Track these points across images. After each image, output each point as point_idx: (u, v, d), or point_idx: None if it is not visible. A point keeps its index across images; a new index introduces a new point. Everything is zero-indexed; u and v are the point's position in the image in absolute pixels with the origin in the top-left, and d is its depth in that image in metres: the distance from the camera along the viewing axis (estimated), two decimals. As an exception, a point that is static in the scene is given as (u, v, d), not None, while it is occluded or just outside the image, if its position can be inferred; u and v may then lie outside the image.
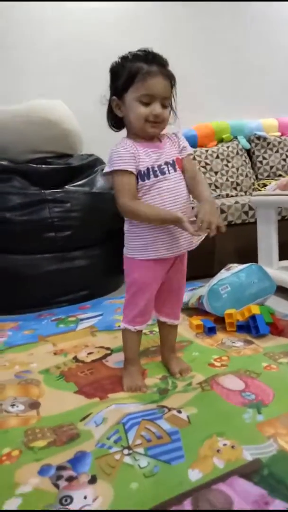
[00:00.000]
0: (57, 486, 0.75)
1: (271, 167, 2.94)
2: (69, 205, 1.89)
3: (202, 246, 2.22)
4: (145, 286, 1.05)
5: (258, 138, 2.95)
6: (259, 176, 2.94)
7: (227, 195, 2.67)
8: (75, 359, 1.30)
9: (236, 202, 2.25)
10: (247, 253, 2.02)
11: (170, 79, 0.96)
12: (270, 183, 2.41)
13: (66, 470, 0.78)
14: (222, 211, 2.22)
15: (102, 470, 0.78)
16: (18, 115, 1.99)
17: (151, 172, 0.97)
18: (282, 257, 1.95)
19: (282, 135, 3.03)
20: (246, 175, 2.83)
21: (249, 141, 2.96)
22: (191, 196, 1.04)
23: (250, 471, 0.75)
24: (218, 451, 0.80)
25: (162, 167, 0.98)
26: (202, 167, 2.70)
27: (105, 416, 0.95)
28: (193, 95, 2.82)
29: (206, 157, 2.74)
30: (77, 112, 2.13)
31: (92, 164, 2.10)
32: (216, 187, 2.69)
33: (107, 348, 1.36)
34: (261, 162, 2.94)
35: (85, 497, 0.71)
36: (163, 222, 0.96)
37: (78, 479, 0.76)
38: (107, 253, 2.01)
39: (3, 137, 1.98)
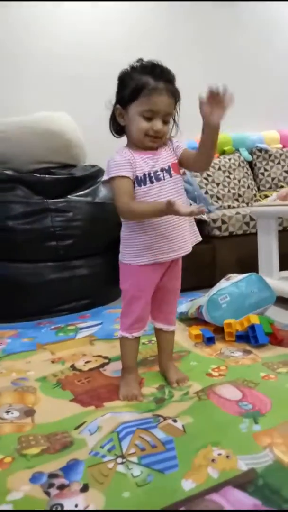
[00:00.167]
0: (48, 494, 0.73)
1: (273, 179, 2.95)
2: (71, 214, 1.91)
3: (204, 256, 2.24)
4: (140, 292, 1.05)
5: (260, 150, 2.97)
6: (261, 188, 2.95)
7: (229, 206, 2.69)
8: (73, 367, 1.30)
9: (237, 213, 2.26)
10: (248, 263, 2.02)
11: (175, 96, 0.98)
12: (271, 195, 2.42)
13: (58, 478, 0.77)
14: (223, 222, 2.22)
15: (94, 478, 0.77)
16: (23, 126, 2.02)
17: (147, 178, 0.99)
18: (282, 267, 1.94)
19: (283, 147, 3.06)
20: (248, 187, 2.85)
21: (251, 153, 2.98)
22: (201, 151, 1.00)
23: (245, 481, 0.73)
24: (212, 460, 0.79)
25: (158, 173, 1.00)
26: (204, 178, 2.72)
27: (100, 424, 0.94)
28: (195, 108, 2.86)
29: (207, 169, 2.75)
30: (81, 123, 2.16)
31: (95, 175, 2.12)
32: (218, 198, 2.71)
33: (105, 357, 1.36)
34: (263, 174, 2.95)
35: (76, 505, 0.70)
36: (158, 213, 0.95)
37: (69, 487, 0.75)
38: (108, 262, 2.01)
39: (8, 148, 2.01)
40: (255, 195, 2.86)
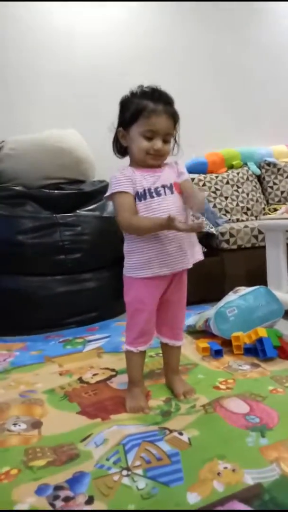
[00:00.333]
0: (53, 506, 0.74)
1: (282, 192, 2.96)
2: (79, 228, 1.94)
3: (212, 269, 2.24)
4: (143, 305, 1.06)
5: (268, 164, 2.99)
6: (270, 201, 2.95)
7: (238, 220, 2.69)
8: (80, 380, 1.30)
9: (246, 226, 2.26)
10: (257, 276, 2.01)
11: (174, 117, 1.03)
12: (281, 208, 2.43)
13: (64, 490, 0.77)
14: (232, 235, 2.23)
15: (99, 490, 0.76)
16: (34, 144, 2.09)
17: (147, 193, 1.02)
18: (291, 280, 1.93)
19: (292, 161, 3.07)
20: (257, 200, 2.85)
21: (259, 167, 3.00)
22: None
23: (251, 496, 0.72)
24: (218, 474, 0.78)
25: (158, 189, 1.03)
26: (212, 192, 2.74)
27: (106, 437, 0.94)
28: (203, 123, 2.91)
29: (216, 183, 2.78)
30: (90, 140, 2.22)
31: (103, 190, 2.14)
32: (227, 211, 2.72)
33: (112, 370, 1.36)
34: (271, 187, 2.96)
35: (80, 518, 0.70)
36: (158, 227, 0.98)
37: (75, 500, 0.75)
38: (116, 275, 2.00)
39: (19, 165, 2.07)
40: (264, 208, 2.87)
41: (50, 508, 0.73)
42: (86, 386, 1.25)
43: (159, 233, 1.00)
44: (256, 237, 2.25)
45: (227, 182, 2.82)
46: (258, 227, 2.20)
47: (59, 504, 0.74)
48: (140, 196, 1.02)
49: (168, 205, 1.02)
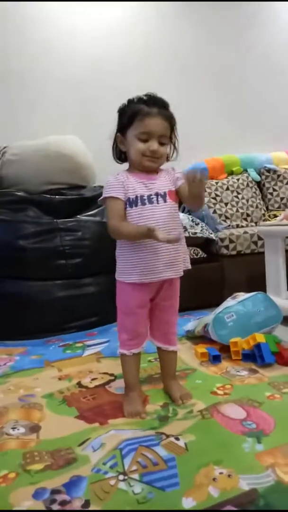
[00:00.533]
0: (50, 509, 0.74)
1: (282, 199, 2.97)
2: (80, 233, 1.96)
3: (212, 275, 2.25)
4: (131, 309, 1.09)
5: (268, 170, 3.00)
6: (270, 207, 2.97)
7: (238, 226, 2.71)
8: (79, 384, 1.31)
9: (245, 232, 2.28)
10: (257, 282, 2.02)
11: (169, 119, 1.05)
12: (280, 214, 2.44)
13: (60, 494, 0.78)
14: (231, 241, 2.24)
15: (96, 495, 0.77)
16: (36, 149, 2.11)
17: (139, 200, 1.04)
18: (291, 286, 1.94)
19: (292, 167, 3.09)
20: (257, 206, 2.87)
21: (259, 173, 3.02)
22: (189, 200, 1.05)
23: (246, 501, 0.73)
24: (214, 479, 0.79)
25: (151, 197, 1.05)
26: (212, 198, 2.76)
27: (103, 441, 0.95)
28: (203, 129, 2.94)
29: (216, 189, 2.80)
30: (91, 146, 2.24)
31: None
32: (227, 217, 2.73)
33: (111, 374, 1.37)
34: (271, 193, 2.98)
35: (76, 521, 0.71)
36: (139, 236, 0.99)
37: (71, 503, 0.76)
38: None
39: (21, 170, 2.09)
40: (263, 214, 2.88)
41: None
42: (85, 390, 1.26)
43: (144, 242, 1.02)
44: (255, 243, 2.26)
45: (227, 188, 2.83)
46: (258, 233, 2.21)
47: (55, 507, 0.75)
48: (131, 202, 1.04)
49: (159, 213, 1.04)
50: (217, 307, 1.64)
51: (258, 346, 1.37)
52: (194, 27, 3.01)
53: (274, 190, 2.97)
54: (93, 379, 1.34)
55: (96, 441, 0.95)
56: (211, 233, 2.31)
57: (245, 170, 3.00)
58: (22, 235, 1.89)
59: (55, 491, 0.79)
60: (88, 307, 1.95)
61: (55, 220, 1.94)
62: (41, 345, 1.76)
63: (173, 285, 1.11)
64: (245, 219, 2.79)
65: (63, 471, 0.85)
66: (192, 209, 1.18)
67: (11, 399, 1.22)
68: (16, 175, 2.08)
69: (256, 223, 2.79)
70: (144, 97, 1.06)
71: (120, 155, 1.12)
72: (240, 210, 2.79)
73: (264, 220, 2.79)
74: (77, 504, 0.75)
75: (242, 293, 1.65)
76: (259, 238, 2.24)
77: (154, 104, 1.03)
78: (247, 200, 2.84)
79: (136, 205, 1.04)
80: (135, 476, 0.81)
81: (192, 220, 2.30)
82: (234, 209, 2.78)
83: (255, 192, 2.92)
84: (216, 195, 2.77)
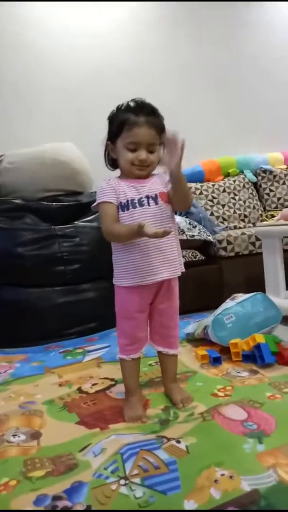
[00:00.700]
0: (52, 510, 0.74)
1: (279, 199, 2.98)
2: (78, 239, 1.96)
3: (210, 277, 2.25)
4: (129, 313, 1.08)
5: (264, 171, 3.02)
6: (267, 208, 2.98)
7: (235, 227, 2.71)
8: (79, 390, 1.31)
9: (243, 233, 2.28)
10: (255, 283, 2.02)
11: (156, 126, 1.05)
12: (278, 214, 2.44)
13: (62, 500, 0.78)
14: (229, 242, 2.25)
15: (97, 500, 0.77)
16: (32, 157, 2.12)
17: (130, 204, 1.05)
18: (290, 286, 1.94)
19: (288, 168, 3.10)
20: (254, 207, 2.88)
21: (256, 174, 3.03)
22: (173, 196, 1.06)
23: (248, 502, 0.73)
24: (215, 481, 0.79)
25: (142, 200, 1.05)
26: (209, 200, 2.76)
27: (104, 446, 0.95)
28: (199, 131, 2.95)
29: (213, 191, 2.81)
30: (87, 152, 2.25)
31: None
32: (224, 219, 2.74)
33: (112, 379, 1.37)
34: (268, 194, 2.99)
35: (78, 527, 0.70)
36: (131, 234, 0.99)
37: (73, 509, 0.75)
38: (115, 285, 2.04)
39: (18, 178, 2.10)
40: (261, 215, 2.89)
41: (48, 518, 0.73)
42: (85, 396, 1.26)
43: (138, 244, 1.03)
44: (253, 244, 2.27)
45: (224, 190, 2.84)
46: (255, 234, 2.21)
47: (57, 514, 0.74)
48: (123, 206, 1.06)
49: (151, 216, 1.04)
50: (216, 309, 1.64)
51: (258, 346, 1.37)
52: (189, 30, 3.03)
53: (271, 190, 2.99)
54: (93, 385, 1.34)
55: (97, 446, 0.95)
56: (209, 235, 2.32)
57: (242, 172, 3.01)
58: (20, 242, 1.89)
59: (56, 498, 0.79)
60: (88, 312, 1.95)
61: (52, 227, 1.95)
62: (41, 352, 1.76)
63: (171, 287, 1.11)
64: (243, 220, 2.80)
65: (64, 477, 0.85)
66: (182, 208, 1.17)
67: (12, 407, 1.22)
68: (13, 183, 2.09)
69: (253, 224, 2.80)
70: (132, 104, 1.06)
71: (112, 162, 1.14)
72: (237, 212, 2.80)
73: (261, 221, 2.79)
74: (78, 510, 0.75)
75: (241, 294, 1.65)
76: (257, 239, 2.25)
77: (141, 112, 1.03)
78: (244, 202, 2.85)
79: (127, 209, 1.05)
80: (137, 480, 0.81)
81: (190, 223, 2.31)
82: (231, 210, 2.79)
83: (251, 193, 2.93)
84: (213, 197, 2.78)
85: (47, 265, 1.91)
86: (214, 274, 2.26)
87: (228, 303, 1.59)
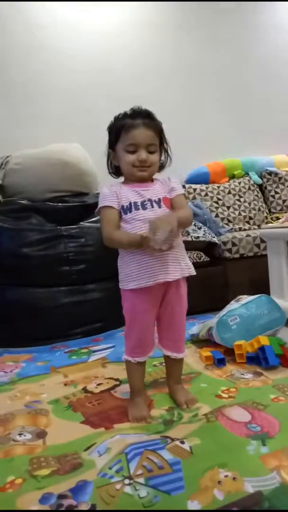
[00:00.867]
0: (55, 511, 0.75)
1: (284, 201, 2.97)
2: (83, 240, 1.98)
3: (215, 278, 2.26)
4: (137, 316, 1.09)
5: (270, 173, 3.01)
6: (272, 210, 2.97)
7: (240, 229, 2.71)
8: (84, 389, 1.32)
9: (248, 235, 2.28)
10: (260, 285, 2.02)
11: (154, 127, 1.07)
12: (283, 217, 2.44)
13: (67, 499, 0.79)
14: (234, 244, 2.25)
15: (102, 499, 0.78)
16: (39, 158, 2.14)
17: (132, 206, 1.06)
18: (294, 289, 1.94)
19: (293, 170, 3.09)
20: (259, 209, 2.87)
21: (261, 176, 3.03)
22: None
23: (251, 504, 0.73)
24: (219, 482, 0.79)
25: (145, 203, 1.06)
26: (214, 202, 2.77)
27: (109, 446, 0.95)
28: (204, 134, 2.96)
29: (218, 193, 2.81)
30: (93, 153, 2.26)
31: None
32: (229, 221, 2.74)
33: (116, 379, 1.38)
34: (273, 196, 2.98)
35: (83, 526, 0.71)
36: (134, 244, 1.00)
37: (77, 508, 0.76)
38: (120, 286, 2.05)
39: (24, 179, 2.12)
40: (266, 217, 2.88)
41: (53, 516, 0.74)
42: (90, 395, 1.27)
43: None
44: (258, 246, 2.27)
45: (229, 192, 2.84)
46: (260, 236, 2.21)
47: (62, 512, 0.75)
48: (125, 209, 1.06)
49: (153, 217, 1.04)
50: (221, 311, 1.64)
51: (262, 348, 1.37)
52: (195, 32, 3.04)
53: (276, 192, 2.98)
54: (98, 384, 1.35)
55: (102, 446, 0.96)
56: (214, 237, 2.32)
57: (247, 174, 3.01)
58: (26, 243, 1.91)
59: (61, 496, 0.80)
60: (93, 313, 1.97)
61: (58, 227, 1.97)
62: (47, 352, 1.77)
63: (179, 290, 1.10)
64: (248, 222, 2.80)
65: (69, 476, 0.86)
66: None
67: (18, 406, 1.23)
68: (19, 183, 2.11)
69: (258, 226, 2.80)
70: (128, 112, 1.09)
71: (115, 170, 1.16)
72: (243, 214, 2.80)
73: (266, 223, 2.79)
74: (83, 509, 0.76)
75: (245, 296, 1.65)
76: (262, 241, 2.25)
77: (137, 115, 1.06)
78: (249, 203, 2.85)
79: (130, 211, 1.06)
80: (141, 480, 0.82)
81: (195, 224, 2.31)
82: (237, 212, 2.79)
83: (257, 195, 2.92)
84: (218, 199, 2.79)
85: (52, 265, 1.92)
86: (219, 275, 2.26)
87: (233, 305, 1.60)
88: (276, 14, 3.26)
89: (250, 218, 2.81)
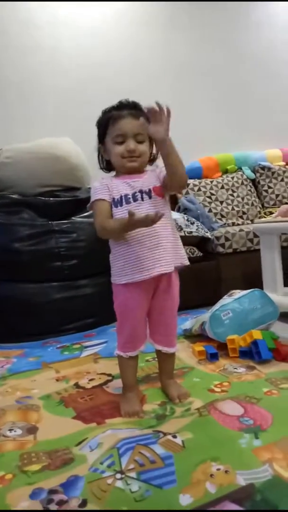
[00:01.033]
0: (47, 509, 0.74)
1: (277, 196, 2.98)
2: (75, 235, 1.96)
3: (208, 273, 2.25)
4: (128, 311, 1.08)
5: (263, 168, 3.01)
6: (265, 205, 2.97)
7: (233, 224, 2.71)
8: (76, 385, 1.31)
9: (241, 230, 2.28)
10: (253, 279, 2.02)
11: (141, 117, 1.02)
12: (276, 211, 2.44)
13: (58, 494, 0.78)
14: (227, 239, 2.25)
15: (93, 494, 0.77)
16: (29, 152, 2.11)
17: (123, 200, 1.05)
18: (287, 283, 1.94)
19: (286, 164, 3.09)
20: (252, 204, 2.87)
21: (254, 171, 3.02)
22: (166, 168, 1.04)
23: (243, 496, 0.73)
24: (211, 475, 0.79)
25: (136, 194, 1.06)
26: (208, 197, 2.76)
27: (101, 441, 0.95)
28: (197, 128, 2.94)
29: (211, 188, 2.80)
30: (84, 148, 2.23)
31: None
32: (222, 216, 2.74)
33: (109, 375, 1.37)
34: (266, 191, 2.98)
35: (73, 521, 0.71)
36: (124, 226, 0.99)
37: (68, 503, 0.75)
38: (113, 281, 2.04)
39: (15, 173, 2.09)
40: (259, 212, 2.88)
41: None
42: (82, 391, 1.26)
43: (134, 239, 1.02)
44: (251, 240, 2.27)
45: (222, 187, 2.84)
46: (253, 231, 2.21)
47: (53, 507, 0.74)
48: (116, 202, 1.06)
49: (145, 210, 1.03)
50: (214, 305, 1.64)
51: (255, 342, 1.37)
52: (188, 27, 3.02)
53: (269, 187, 2.98)
54: (90, 380, 1.34)
55: (94, 441, 0.95)
56: (207, 232, 2.32)
57: (240, 168, 3.00)
58: (17, 238, 1.89)
59: (52, 491, 0.79)
60: (85, 308, 1.95)
61: (49, 222, 1.94)
62: (39, 347, 1.76)
63: (171, 284, 1.09)
64: (241, 217, 2.80)
65: (60, 471, 0.85)
66: (174, 187, 1.11)
67: (8, 401, 1.22)
68: (10, 178, 2.08)
69: (252, 220, 2.80)
70: (115, 105, 1.09)
71: (106, 165, 1.15)
72: (236, 208, 2.80)
73: (259, 218, 2.79)
74: (74, 504, 0.75)
75: (238, 291, 1.65)
76: (255, 236, 2.25)
77: (124, 107, 1.06)
78: (242, 198, 2.85)
79: (121, 205, 1.05)
80: (133, 474, 0.81)
81: (188, 220, 2.30)
82: (230, 207, 2.79)
83: (250, 190, 2.92)
84: (211, 193, 2.78)
85: (44, 260, 1.90)
86: (212, 270, 2.26)
87: (226, 300, 1.59)
88: (270, 11, 3.25)
89: (243, 213, 2.81)
